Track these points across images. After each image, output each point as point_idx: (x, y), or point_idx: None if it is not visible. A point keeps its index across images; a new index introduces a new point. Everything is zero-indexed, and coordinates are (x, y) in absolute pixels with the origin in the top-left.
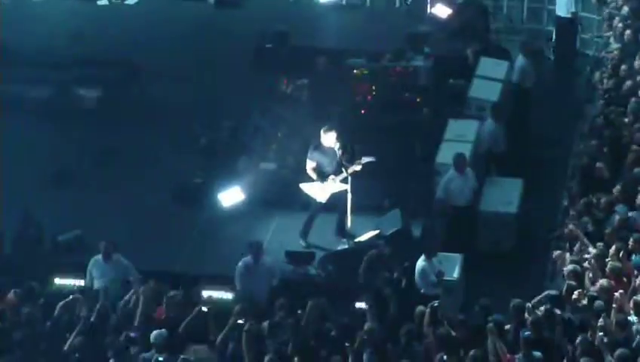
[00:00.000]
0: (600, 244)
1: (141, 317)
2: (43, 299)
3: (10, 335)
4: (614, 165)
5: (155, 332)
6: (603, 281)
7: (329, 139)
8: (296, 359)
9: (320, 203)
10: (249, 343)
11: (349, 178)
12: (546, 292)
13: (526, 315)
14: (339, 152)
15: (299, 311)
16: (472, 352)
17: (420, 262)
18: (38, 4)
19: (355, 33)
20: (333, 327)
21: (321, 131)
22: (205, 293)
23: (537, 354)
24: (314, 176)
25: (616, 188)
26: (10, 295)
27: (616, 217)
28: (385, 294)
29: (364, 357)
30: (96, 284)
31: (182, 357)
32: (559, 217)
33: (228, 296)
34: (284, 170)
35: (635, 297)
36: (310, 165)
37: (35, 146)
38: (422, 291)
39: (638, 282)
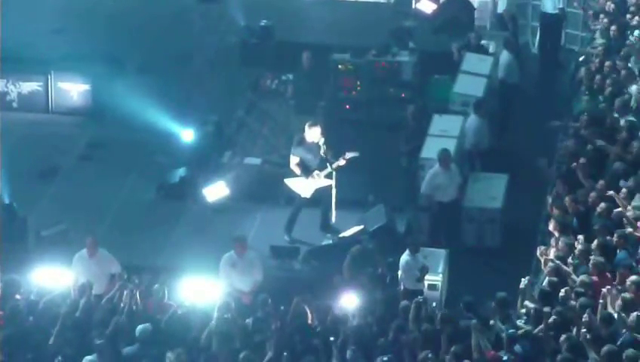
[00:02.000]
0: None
1: (126, 313)
2: (29, 293)
3: None
4: (599, 161)
5: (139, 327)
6: (583, 277)
7: (313, 134)
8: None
9: (303, 199)
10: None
11: (334, 173)
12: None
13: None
14: (323, 147)
15: (282, 307)
16: (453, 348)
17: (404, 257)
18: None
19: (340, 28)
20: (318, 323)
21: (306, 126)
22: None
23: (518, 348)
24: (298, 171)
25: (600, 183)
26: None
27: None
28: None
29: (348, 353)
30: (81, 279)
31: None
32: (544, 213)
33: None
34: (269, 165)
35: (623, 294)
36: (294, 160)
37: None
38: (405, 286)
39: (628, 281)
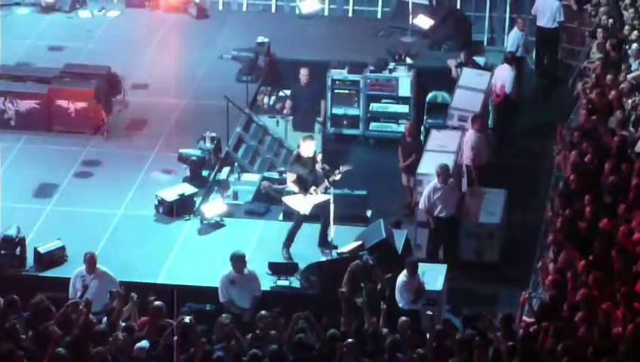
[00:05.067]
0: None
1: (124, 330)
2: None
3: None
4: (595, 175)
5: (137, 345)
6: (584, 291)
7: (308, 148)
8: None
9: (302, 216)
10: None
11: (331, 188)
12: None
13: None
14: (319, 162)
15: (281, 319)
16: None
17: (401, 277)
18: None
19: (338, 44)
20: (317, 340)
21: (300, 140)
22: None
23: None
24: (295, 188)
25: (586, 198)
26: None
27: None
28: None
29: None
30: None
31: None
32: (542, 227)
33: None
34: (267, 182)
35: None
36: (291, 178)
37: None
38: (401, 306)
39: None
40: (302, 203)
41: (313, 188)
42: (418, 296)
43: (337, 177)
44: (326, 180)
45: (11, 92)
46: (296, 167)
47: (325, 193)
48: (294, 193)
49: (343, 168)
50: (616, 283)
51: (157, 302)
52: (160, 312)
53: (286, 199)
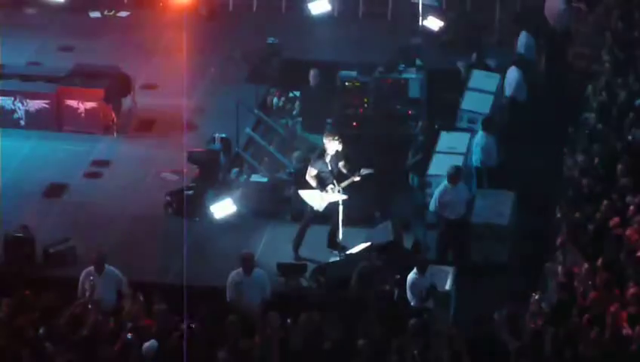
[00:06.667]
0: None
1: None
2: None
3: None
4: (605, 178)
5: (146, 345)
6: (594, 294)
7: (332, 146)
8: None
9: (315, 212)
10: None
11: (344, 189)
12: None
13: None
14: (341, 163)
15: (288, 320)
16: None
17: (412, 276)
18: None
19: (347, 45)
20: (327, 341)
21: (325, 138)
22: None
23: None
24: (314, 184)
25: (605, 204)
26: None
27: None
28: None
29: None
30: (89, 296)
31: None
32: (552, 230)
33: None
34: (276, 182)
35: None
36: (311, 173)
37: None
38: (412, 304)
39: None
40: (317, 199)
41: (331, 186)
42: (429, 295)
43: (357, 179)
44: (338, 183)
45: (21, 92)
46: (319, 164)
47: (340, 193)
48: (312, 188)
49: (363, 171)
50: (625, 285)
51: (161, 304)
52: (165, 313)
53: (302, 193)
